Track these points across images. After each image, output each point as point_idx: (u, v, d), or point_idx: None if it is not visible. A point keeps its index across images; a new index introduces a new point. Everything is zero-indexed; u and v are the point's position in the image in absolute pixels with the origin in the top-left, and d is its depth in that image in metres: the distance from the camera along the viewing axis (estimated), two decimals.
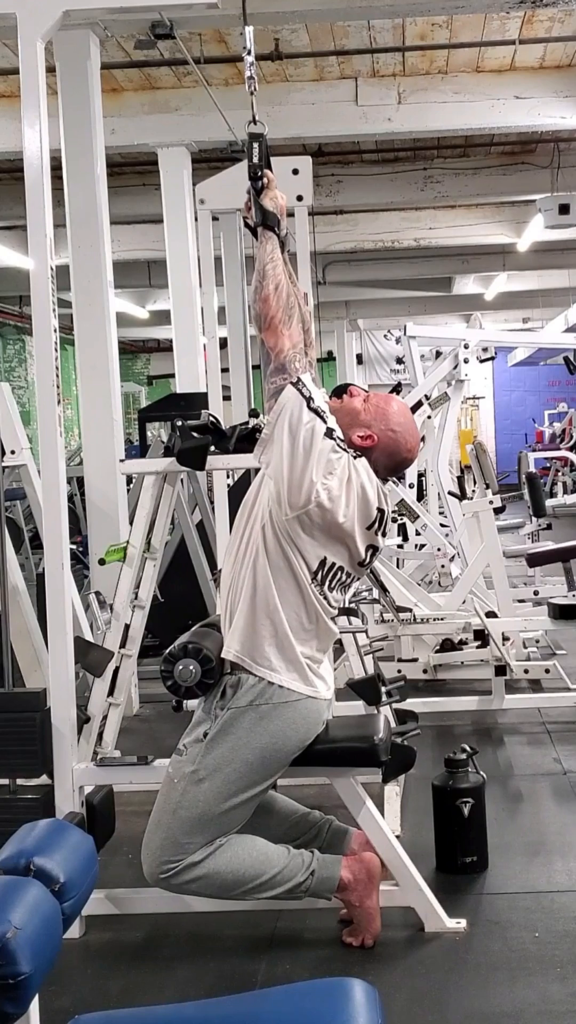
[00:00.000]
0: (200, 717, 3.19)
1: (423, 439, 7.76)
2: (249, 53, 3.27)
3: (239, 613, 3.11)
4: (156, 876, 3.14)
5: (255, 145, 3.18)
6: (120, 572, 3.72)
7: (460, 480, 8.84)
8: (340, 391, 3.31)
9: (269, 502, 3.08)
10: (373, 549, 3.19)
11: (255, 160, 3.17)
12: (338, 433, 3.08)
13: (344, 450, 3.07)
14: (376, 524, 3.15)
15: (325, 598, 3.13)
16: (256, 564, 3.09)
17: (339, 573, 3.14)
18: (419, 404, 7.36)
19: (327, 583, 3.12)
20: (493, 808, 3.89)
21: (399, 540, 7.74)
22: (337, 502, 3.03)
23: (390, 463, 3.23)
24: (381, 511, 3.16)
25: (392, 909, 3.31)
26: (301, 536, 3.05)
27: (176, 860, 3.10)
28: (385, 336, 21.85)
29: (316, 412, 3.03)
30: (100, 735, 3.68)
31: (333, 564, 3.11)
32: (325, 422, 3.04)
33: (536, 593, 7.13)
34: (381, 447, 3.18)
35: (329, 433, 3.04)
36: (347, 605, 4.56)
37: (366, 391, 3.33)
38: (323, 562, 3.09)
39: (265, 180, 3.17)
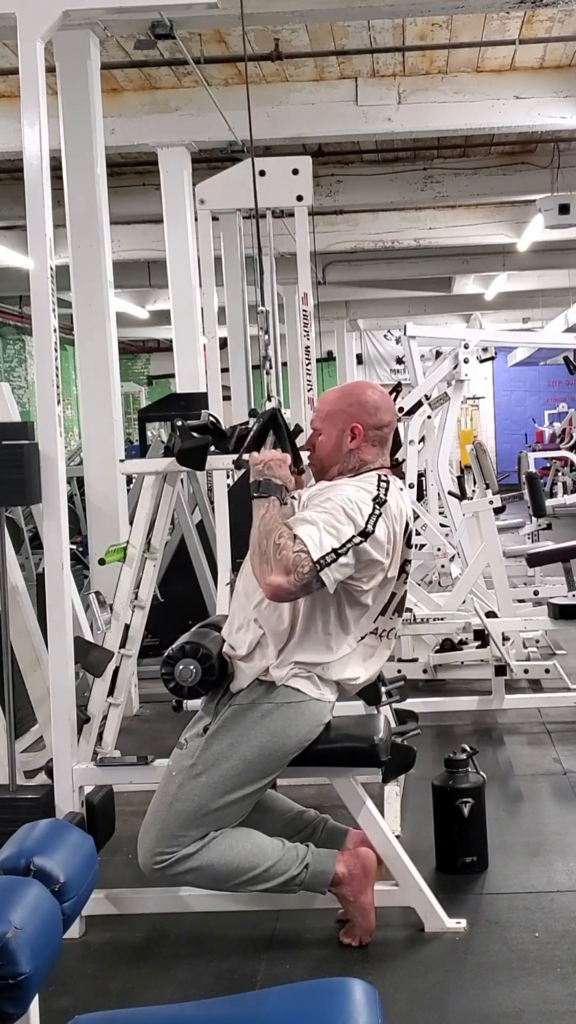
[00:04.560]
0: (202, 712, 3.21)
1: (423, 439, 7.77)
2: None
3: (264, 641, 3.13)
4: (150, 866, 3.16)
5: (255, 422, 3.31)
6: (120, 572, 3.72)
7: (460, 480, 8.84)
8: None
9: None
10: (404, 561, 3.25)
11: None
12: (360, 518, 3.03)
13: (377, 516, 3.06)
14: (407, 536, 3.24)
15: (375, 631, 3.20)
16: (295, 608, 3.11)
17: (394, 598, 3.23)
18: (419, 404, 7.36)
19: (385, 613, 3.21)
20: (493, 808, 3.89)
21: None
22: (391, 556, 3.12)
23: (377, 423, 3.22)
24: (407, 522, 3.23)
25: (392, 909, 3.31)
26: (360, 591, 3.11)
27: (170, 851, 3.12)
28: (385, 336, 21.85)
29: (347, 550, 2.99)
30: (100, 735, 3.67)
31: (394, 594, 3.21)
32: (355, 536, 3.02)
33: (536, 593, 7.13)
34: (361, 423, 3.19)
35: (364, 535, 3.02)
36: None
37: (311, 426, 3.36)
38: (392, 597, 3.20)
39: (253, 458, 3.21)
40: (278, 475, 3.15)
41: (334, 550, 2.97)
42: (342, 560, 2.98)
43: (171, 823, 3.12)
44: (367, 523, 3.03)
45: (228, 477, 5.14)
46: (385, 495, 3.11)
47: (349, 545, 2.99)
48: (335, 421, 3.20)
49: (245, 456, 3.24)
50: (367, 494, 3.09)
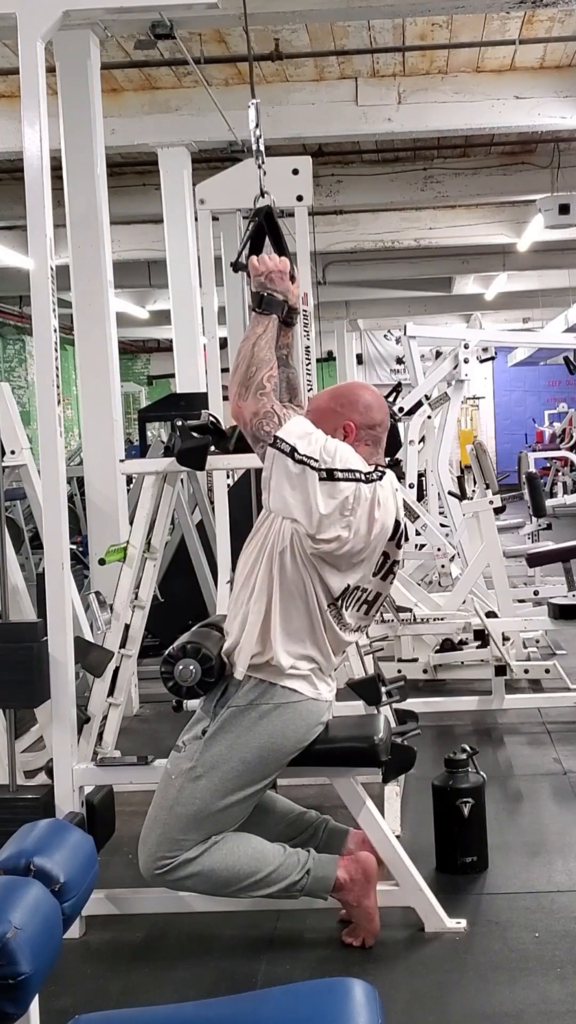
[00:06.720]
0: (200, 715, 3.20)
1: (423, 439, 7.77)
2: (257, 126, 3.39)
3: (248, 619, 3.12)
4: (152, 872, 3.15)
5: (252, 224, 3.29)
6: (120, 572, 3.72)
7: (460, 480, 8.84)
8: None
9: (294, 531, 3.07)
10: (384, 556, 3.20)
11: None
12: (339, 465, 3.02)
13: (355, 480, 3.03)
14: (394, 535, 3.19)
15: (341, 619, 3.15)
16: (271, 580, 3.10)
17: (358, 592, 3.17)
18: (419, 404, 7.36)
19: (350, 606, 3.16)
20: (493, 808, 3.89)
21: None
22: (358, 535, 3.05)
23: (369, 421, 3.19)
24: (397, 522, 3.19)
25: (392, 909, 3.30)
26: (325, 566, 3.07)
27: (172, 856, 3.11)
28: (385, 336, 21.85)
29: (303, 461, 2.98)
30: (100, 735, 3.68)
31: (357, 587, 3.15)
32: (318, 466, 2.99)
33: (536, 593, 7.13)
34: (352, 422, 3.16)
35: (330, 474, 2.99)
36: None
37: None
38: (347, 589, 3.13)
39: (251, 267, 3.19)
40: (279, 288, 3.17)
41: (294, 449, 2.98)
42: (290, 464, 2.97)
43: (172, 827, 3.12)
44: (338, 471, 3.00)
45: (228, 477, 5.13)
46: (377, 479, 3.09)
47: (305, 460, 2.97)
48: (327, 421, 3.18)
49: (244, 261, 3.23)
50: (364, 466, 3.09)
